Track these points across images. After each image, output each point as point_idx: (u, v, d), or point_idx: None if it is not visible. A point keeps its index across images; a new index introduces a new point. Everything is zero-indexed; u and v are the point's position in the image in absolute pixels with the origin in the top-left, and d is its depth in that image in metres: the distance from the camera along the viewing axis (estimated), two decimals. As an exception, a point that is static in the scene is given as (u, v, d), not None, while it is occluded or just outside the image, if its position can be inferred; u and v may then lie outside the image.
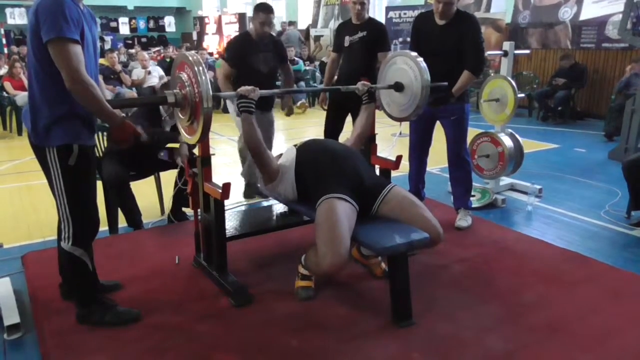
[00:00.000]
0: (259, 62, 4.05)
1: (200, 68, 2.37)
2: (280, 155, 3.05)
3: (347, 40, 4.17)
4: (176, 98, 2.50)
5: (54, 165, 2.28)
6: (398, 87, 3.18)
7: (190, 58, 2.42)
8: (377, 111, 3.34)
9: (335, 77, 4.36)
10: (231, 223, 3.20)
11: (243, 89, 2.69)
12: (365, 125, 3.16)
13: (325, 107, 4.33)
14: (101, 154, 3.90)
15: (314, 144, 2.96)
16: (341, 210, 2.51)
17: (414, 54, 3.13)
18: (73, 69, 2.10)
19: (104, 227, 3.60)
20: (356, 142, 3.12)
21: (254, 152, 2.78)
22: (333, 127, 4.29)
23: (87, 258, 2.47)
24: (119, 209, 3.69)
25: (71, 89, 2.13)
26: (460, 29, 3.50)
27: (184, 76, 2.46)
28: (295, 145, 3.00)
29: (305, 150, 2.89)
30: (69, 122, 2.25)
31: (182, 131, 2.70)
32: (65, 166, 2.28)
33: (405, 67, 3.14)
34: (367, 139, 3.29)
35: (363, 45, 4.09)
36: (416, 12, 10.64)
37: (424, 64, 3.05)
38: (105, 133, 3.99)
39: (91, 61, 2.30)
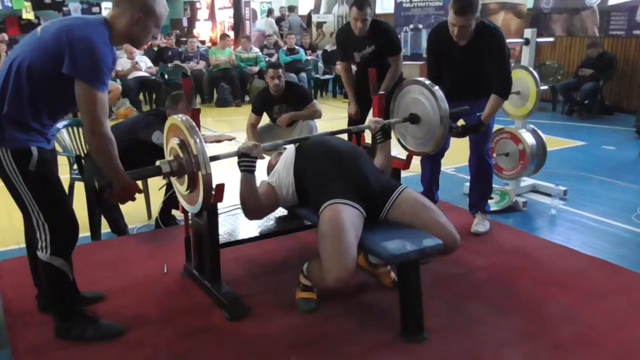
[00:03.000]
0: (276, 113, 4.64)
1: (193, 131, 2.39)
2: (280, 154, 3.06)
3: (357, 56, 4.25)
4: (171, 167, 2.49)
5: (12, 172, 2.28)
6: (414, 119, 3.14)
7: (181, 122, 2.43)
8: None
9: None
10: (225, 228, 3.20)
11: (244, 146, 2.64)
12: (386, 167, 3.06)
13: (358, 117, 4.42)
14: (83, 154, 3.90)
15: (314, 142, 2.94)
16: (346, 218, 2.49)
17: (429, 82, 3.09)
18: (97, 120, 2.20)
19: (85, 232, 3.61)
20: None
21: (249, 213, 2.77)
22: (357, 122, 4.34)
23: (67, 268, 2.46)
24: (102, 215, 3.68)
25: (89, 139, 2.25)
26: (483, 50, 3.42)
27: (177, 141, 2.47)
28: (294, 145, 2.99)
29: (305, 151, 2.88)
30: (26, 128, 2.28)
31: (182, 202, 2.71)
32: (25, 171, 2.28)
33: (421, 97, 3.09)
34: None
35: (375, 56, 4.16)
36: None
37: (440, 93, 3.00)
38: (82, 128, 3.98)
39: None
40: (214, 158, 2.57)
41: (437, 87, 3.04)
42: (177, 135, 2.49)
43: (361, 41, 4.17)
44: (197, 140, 2.37)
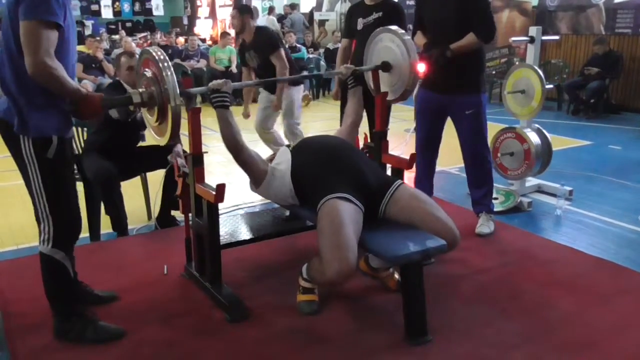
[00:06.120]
0: (249, 59, 4.90)
1: (165, 64, 2.46)
2: (272, 158, 3.08)
3: (360, 23, 4.22)
4: (142, 97, 2.55)
5: (29, 158, 2.31)
6: (385, 66, 3.22)
7: (154, 54, 2.51)
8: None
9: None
10: (226, 229, 3.21)
11: (214, 83, 2.76)
12: (357, 111, 3.26)
13: (338, 99, 4.38)
14: (81, 150, 3.91)
15: (308, 142, 3.02)
16: (345, 212, 2.51)
17: (398, 29, 3.20)
18: (42, 52, 2.12)
19: (84, 233, 3.61)
20: (351, 130, 3.21)
21: (232, 151, 2.82)
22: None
23: (68, 262, 2.47)
24: (104, 211, 3.67)
25: (32, 73, 2.15)
26: None
27: (149, 73, 2.53)
28: (288, 147, 3.02)
29: (301, 152, 2.92)
30: (47, 112, 2.29)
31: (151, 132, 2.75)
32: (43, 159, 2.31)
33: (391, 44, 3.18)
34: (378, 136, 3.30)
35: (379, 27, 4.09)
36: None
37: (410, 40, 3.13)
38: (85, 129, 3.99)
39: (74, 48, 2.38)
40: (185, 92, 2.67)
41: (407, 36, 3.15)
42: (148, 67, 2.57)
43: (369, 8, 4.20)
44: (169, 72, 2.46)
